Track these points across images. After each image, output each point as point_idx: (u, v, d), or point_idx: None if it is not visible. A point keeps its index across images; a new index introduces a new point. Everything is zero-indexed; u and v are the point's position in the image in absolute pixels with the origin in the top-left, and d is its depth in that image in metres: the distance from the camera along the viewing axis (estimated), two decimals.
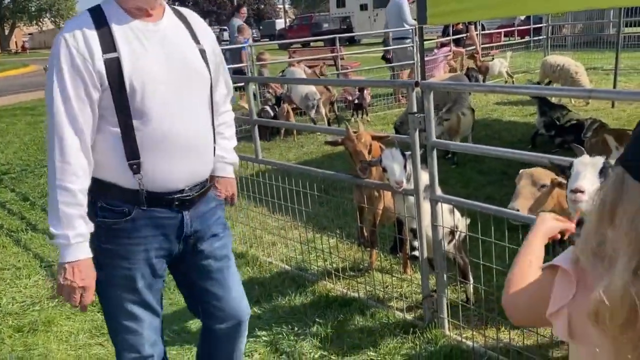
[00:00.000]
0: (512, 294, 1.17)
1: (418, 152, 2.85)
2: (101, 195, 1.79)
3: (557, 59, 9.08)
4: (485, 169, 5.85)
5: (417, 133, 2.79)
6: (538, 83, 6.58)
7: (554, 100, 7.11)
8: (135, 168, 1.74)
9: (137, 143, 1.73)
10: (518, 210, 2.58)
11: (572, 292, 0.96)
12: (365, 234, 3.64)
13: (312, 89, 8.39)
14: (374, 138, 3.26)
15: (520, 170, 2.79)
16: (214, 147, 1.96)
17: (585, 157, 2.22)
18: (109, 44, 1.70)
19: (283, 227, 4.52)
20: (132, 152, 1.73)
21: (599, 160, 2.19)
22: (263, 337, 3.13)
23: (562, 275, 0.99)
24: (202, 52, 1.89)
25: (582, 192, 2.13)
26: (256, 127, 4.03)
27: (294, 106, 8.67)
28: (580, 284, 0.95)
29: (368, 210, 3.50)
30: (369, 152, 3.17)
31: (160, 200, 1.81)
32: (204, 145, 1.88)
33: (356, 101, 8.91)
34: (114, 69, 1.69)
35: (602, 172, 2.13)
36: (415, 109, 2.80)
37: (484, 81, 11.02)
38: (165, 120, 1.75)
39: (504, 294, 1.18)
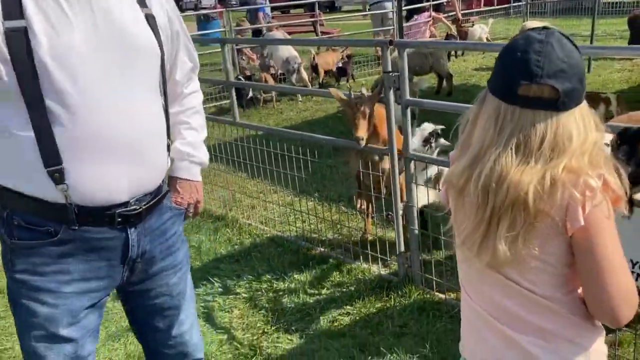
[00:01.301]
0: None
1: (393, 110, 2.89)
2: (16, 209, 1.39)
3: (536, 24, 9.08)
4: None
5: (392, 92, 2.83)
6: None
7: None
8: (58, 177, 1.34)
9: (57, 143, 1.32)
10: None
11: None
12: (360, 200, 3.50)
13: (293, 52, 8.36)
14: (372, 105, 3.07)
15: None
16: (168, 144, 1.58)
17: None
18: (12, 7, 1.27)
19: (262, 191, 4.57)
20: (50, 156, 1.33)
21: None
22: (242, 294, 3.20)
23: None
24: (150, 19, 1.48)
25: None
26: (233, 89, 4.02)
27: (272, 73, 8.61)
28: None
29: (366, 176, 3.40)
30: (370, 121, 3.07)
31: (97, 216, 1.42)
32: (151, 142, 1.47)
33: (340, 64, 8.89)
34: (20, 43, 1.26)
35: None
36: (389, 68, 2.83)
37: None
38: (95, 112, 1.35)
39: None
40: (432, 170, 3.33)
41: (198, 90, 1.78)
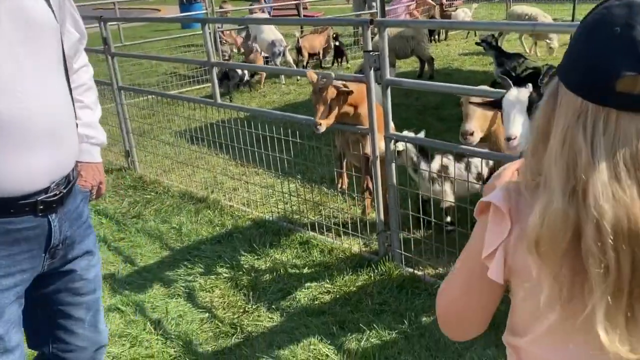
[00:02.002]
0: (444, 289, 1.00)
1: (374, 90, 2.90)
2: None
3: (525, 9, 9.15)
4: (444, 116, 5.97)
5: (372, 72, 2.83)
6: (493, 36, 6.66)
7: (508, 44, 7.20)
8: None
9: None
10: (472, 133, 2.59)
11: (507, 228, 0.86)
12: (342, 180, 3.51)
13: (278, 35, 8.31)
14: (339, 93, 3.06)
15: (462, 98, 2.84)
16: (77, 124, 1.54)
17: (512, 93, 2.22)
18: None
19: (244, 173, 4.56)
20: None
21: (524, 94, 2.17)
22: (224, 274, 3.21)
23: (494, 213, 0.87)
24: None
25: (514, 138, 2.13)
26: (214, 70, 3.98)
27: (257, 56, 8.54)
28: (515, 218, 0.86)
29: (353, 156, 3.41)
30: (336, 106, 3.05)
31: (18, 206, 1.35)
32: (65, 123, 1.43)
33: (337, 43, 8.92)
34: None
35: (532, 103, 2.13)
36: (370, 47, 2.83)
37: (446, 32, 11.06)
38: (10, 95, 1.28)
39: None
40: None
41: (87, 64, 1.70)
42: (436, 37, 10.81)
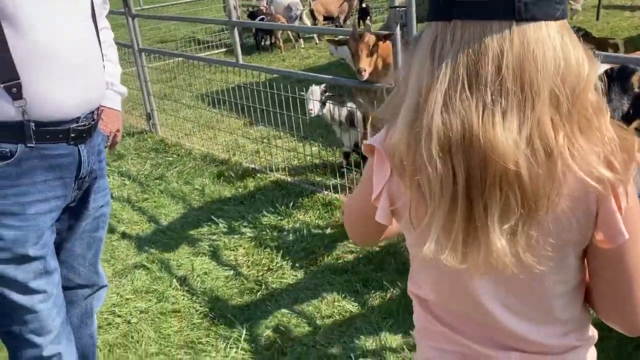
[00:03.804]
0: (347, 205, 1.04)
1: (400, 49, 2.83)
2: None
3: None
4: None
5: (398, 27, 2.77)
6: None
7: None
8: (15, 92, 1.35)
9: (13, 58, 1.33)
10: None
11: (388, 170, 0.85)
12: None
13: None
14: (378, 39, 3.09)
15: None
16: (104, 67, 1.64)
17: None
18: None
19: (266, 136, 4.54)
20: (7, 71, 1.34)
21: None
22: (247, 234, 3.24)
23: (378, 155, 0.87)
24: None
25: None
26: (236, 30, 3.93)
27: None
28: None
29: (374, 117, 3.40)
30: (373, 54, 3.05)
31: (53, 133, 1.44)
32: (94, 62, 1.54)
33: (363, 5, 8.74)
34: None
35: None
36: (396, 3, 2.76)
37: None
38: (47, 29, 1.37)
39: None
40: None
41: (108, 27, 1.79)
42: None
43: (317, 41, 8.39)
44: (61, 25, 1.41)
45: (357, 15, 9.14)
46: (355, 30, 3.03)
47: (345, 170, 3.75)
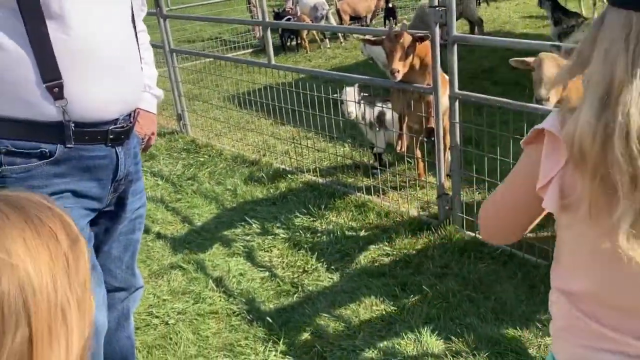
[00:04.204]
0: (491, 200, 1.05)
1: (438, 49, 2.79)
2: (4, 136, 1.35)
3: None
4: (498, 79, 5.76)
5: (437, 27, 2.72)
6: None
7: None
8: (57, 92, 1.33)
9: (56, 57, 1.32)
10: (548, 99, 2.31)
11: (564, 156, 0.82)
12: (401, 142, 3.34)
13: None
14: (415, 39, 3.01)
15: (540, 54, 2.46)
16: (142, 69, 1.63)
17: None
18: None
19: (295, 137, 4.53)
20: (50, 70, 1.31)
21: None
22: (281, 235, 3.22)
23: (549, 140, 0.84)
24: None
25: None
26: (269, 31, 3.92)
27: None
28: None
29: (411, 118, 3.30)
30: (408, 55, 2.99)
31: (92, 134, 1.43)
32: (133, 64, 1.53)
33: (390, 5, 8.71)
34: None
35: None
36: (436, 2, 2.71)
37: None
38: (88, 29, 1.36)
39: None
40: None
41: (145, 29, 1.78)
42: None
43: (342, 40, 8.36)
44: (102, 26, 1.40)
45: (382, 15, 9.08)
46: (391, 30, 2.98)
47: (378, 171, 3.71)
